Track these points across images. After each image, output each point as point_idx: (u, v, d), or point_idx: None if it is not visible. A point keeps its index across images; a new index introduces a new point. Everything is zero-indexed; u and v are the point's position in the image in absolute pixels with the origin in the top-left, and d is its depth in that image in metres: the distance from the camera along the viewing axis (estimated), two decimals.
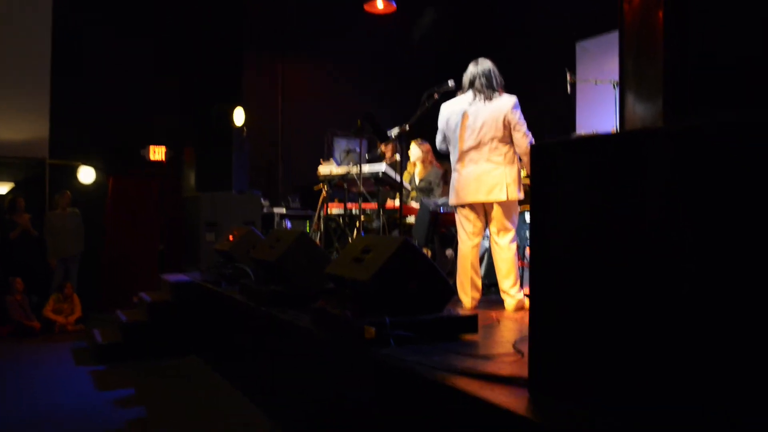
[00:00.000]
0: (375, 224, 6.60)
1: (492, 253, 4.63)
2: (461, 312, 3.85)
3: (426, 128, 5.55)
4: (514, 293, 4.46)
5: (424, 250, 5.37)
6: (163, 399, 4.97)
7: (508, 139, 4.44)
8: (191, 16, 10.05)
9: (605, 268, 1.93)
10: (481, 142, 4.45)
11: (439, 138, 4.78)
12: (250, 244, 5.77)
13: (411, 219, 6.14)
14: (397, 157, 6.28)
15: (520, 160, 4.54)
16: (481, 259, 4.93)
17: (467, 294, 4.56)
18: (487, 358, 2.90)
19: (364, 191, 6.25)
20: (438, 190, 6.74)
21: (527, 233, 5.55)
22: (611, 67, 7.37)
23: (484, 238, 4.82)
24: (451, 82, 4.88)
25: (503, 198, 4.40)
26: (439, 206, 5.61)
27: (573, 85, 6.93)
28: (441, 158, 6.86)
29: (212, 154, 8.19)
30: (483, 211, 4.58)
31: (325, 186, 6.66)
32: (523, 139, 4.40)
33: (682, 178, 1.71)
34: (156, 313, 6.48)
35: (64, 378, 5.63)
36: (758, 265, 1.52)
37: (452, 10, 10.63)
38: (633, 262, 1.83)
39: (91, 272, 9.13)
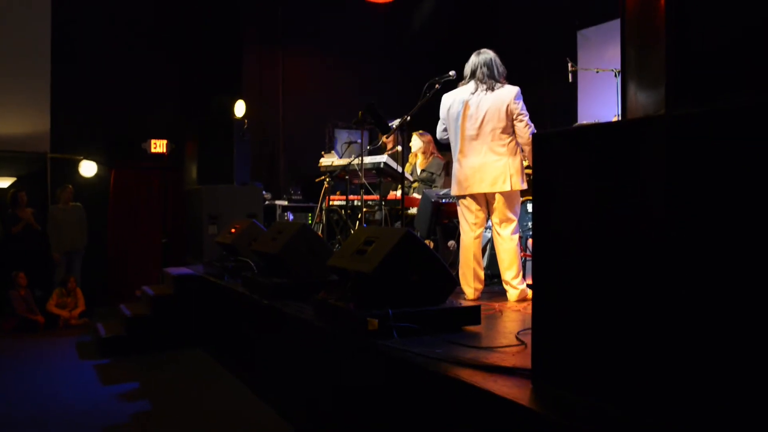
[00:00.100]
0: (377, 216, 6.59)
1: (494, 244, 4.63)
2: (464, 303, 3.85)
3: (427, 119, 5.53)
4: (516, 284, 4.46)
5: (427, 242, 5.36)
6: (168, 392, 4.98)
7: (510, 129, 4.44)
8: (191, 7, 10.01)
9: (607, 258, 1.93)
10: (484, 133, 4.44)
11: (440, 128, 4.77)
12: (252, 236, 5.77)
13: (413, 210, 6.13)
14: (399, 148, 6.27)
15: (522, 150, 4.53)
16: (483, 250, 4.92)
17: (470, 285, 4.56)
18: (490, 349, 2.89)
19: (366, 183, 6.25)
20: (440, 181, 6.73)
21: (529, 224, 5.55)
22: (612, 56, 7.36)
23: (486, 229, 4.82)
24: (452, 73, 4.87)
25: (507, 189, 4.39)
26: (441, 197, 5.60)
27: (574, 74, 6.91)
28: (442, 149, 6.85)
29: (213, 147, 8.19)
30: (485, 201, 4.57)
31: (327, 178, 6.65)
32: (526, 129, 4.39)
33: (682, 165, 1.69)
34: (159, 306, 6.49)
35: (69, 372, 5.64)
36: (757, 251, 1.51)
37: (453, 0, 10.59)
38: (635, 252, 1.83)
39: (95, 266, 9.14)
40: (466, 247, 4.60)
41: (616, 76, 6.50)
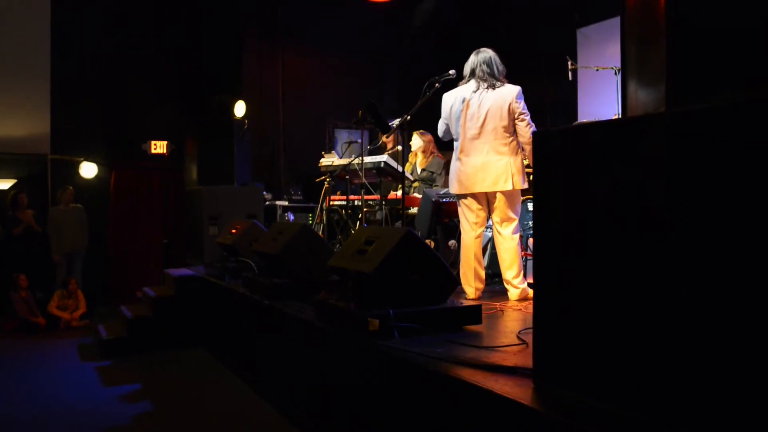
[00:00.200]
0: (378, 215, 6.59)
1: (495, 243, 4.62)
2: (465, 303, 3.85)
3: (427, 118, 5.52)
4: (517, 283, 4.45)
5: (427, 241, 5.35)
6: (169, 393, 4.98)
7: (512, 129, 4.44)
8: (191, 8, 10.01)
9: (608, 257, 1.92)
10: (486, 132, 4.44)
11: (441, 127, 4.76)
12: (252, 237, 5.77)
13: (414, 210, 6.12)
14: (399, 147, 6.27)
15: (523, 149, 4.52)
16: (484, 250, 4.92)
17: (471, 284, 4.55)
18: (491, 348, 2.89)
19: (366, 182, 6.24)
20: (440, 180, 6.72)
21: (530, 223, 5.55)
22: (613, 54, 7.35)
23: (487, 229, 4.81)
24: (452, 72, 4.86)
25: (508, 188, 4.39)
26: (442, 196, 5.60)
27: (574, 72, 6.90)
28: (442, 148, 6.84)
29: (214, 147, 8.18)
30: (486, 200, 4.57)
31: (328, 178, 6.64)
32: (527, 128, 4.40)
33: (682, 163, 1.69)
34: (160, 307, 6.49)
35: (70, 374, 5.64)
36: (757, 249, 1.50)
37: None
38: (635, 251, 1.82)
39: (95, 267, 9.13)
40: (466, 246, 4.60)
41: (616, 74, 6.49)
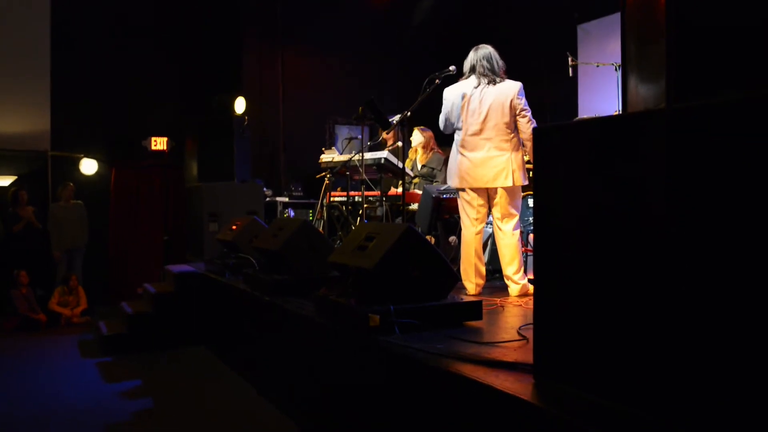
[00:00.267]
0: (378, 212, 6.59)
1: (495, 239, 4.63)
2: (465, 298, 3.85)
3: (428, 114, 5.52)
4: (518, 279, 4.46)
5: (428, 237, 5.36)
6: (170, 389, 4.99)
7: (513, 125, 4.45)
8: (191, 5, 10.00)
9: (608, 253, 1.92)
10: (487, 128, 4.44)
11: (442, 121, 4.75)
12: (253, 233, 5.77)
13: (414, 206, 6.12)
14: (399, 143, 6.27)
15: (524, 146, 4.53)
16: (484, 246, 4.92)
17: (471, 280, 4.56)
18: (492, 344, 2.89)
19: (367, 178, 6.24)
20: (441, 176, 6.72)
21: (531, 219, 5.55)
22: (613, 50, 7.33)
23: (487, 225, 4.81)
24: (452, 68, 4.86)
25: (509, 184, 4.40)
26: (442, 193, 5.60)
27: (575, 69, 6.89)
28: (442, 144, 6.84)
29: (214, 144, 8.17)
30: (487, 196, 4.57)
31: (328, 174, 6.64)
32: (528, 124, 4.42)
33: (682, 159, 1.69)
34: (161, 304, 6.49)
35: (71, 370, 5.65)
36: (757, 246, 1.50)
37: None
38: (635, 247, 1.82)
39: (96, 264, 9.14)
40: (467, 242, 4.60)
41: (616, 70, 6.48)
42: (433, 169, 6.80)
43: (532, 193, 5.11)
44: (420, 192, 6.08)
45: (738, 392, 1.55)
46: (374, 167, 6.14)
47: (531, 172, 4.81)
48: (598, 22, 8.37)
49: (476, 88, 4.52)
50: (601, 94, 7.67)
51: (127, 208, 9.82)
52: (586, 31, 8.61)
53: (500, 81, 4.49)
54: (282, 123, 10.22)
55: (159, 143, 9.69)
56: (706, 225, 1.63)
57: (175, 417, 4.32)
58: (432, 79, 4.89)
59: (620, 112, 5.48)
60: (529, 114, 4.43)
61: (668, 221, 1.73)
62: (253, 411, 4.32)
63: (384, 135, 6.96)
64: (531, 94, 4.57)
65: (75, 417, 4.33)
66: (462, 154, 4.55)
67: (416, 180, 6.84)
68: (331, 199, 6.96)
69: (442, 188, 5.65)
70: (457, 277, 3.60)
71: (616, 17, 7.73)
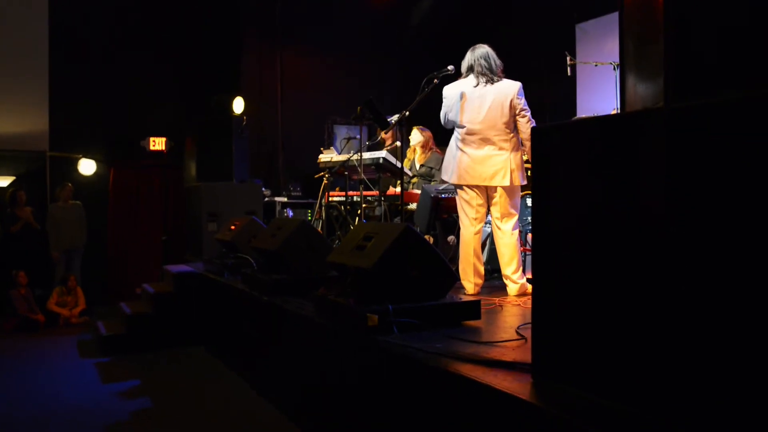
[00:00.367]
0: (377, 211, 6.58)
1: (494, 238, 4.63)
2: (464, 298, 3.85)
3: (426, 114, 5.51)
4: (516, 278, 4.46)
5: (426, 237, 5.35)
6: (168, 390, 4.98)
7: (512, 125, 4.46)
8: (190, 5, 9.99)
9: (607, 253, 1.92)
10: (486, 127, 4.45)
11: (443, 117, 4.72)
12: (251, 233, 5.76)
13: (413, 206, 6.12)
14: (398, 143, 6.26)
15: (524, 145, 4.53)
16: (483, 245, 4.92)
17: (470, 280, 4.56)
18: (490, 343, 2.89)
19: (365, 178, 6.24)
20: (439, 176, 6.71)
21: (529, 218, 5.55)
22: (611, 49, 7.32)
23: (486, 224, 4.81)
24: (450, 67, 4.86)
25: (506, 183, 4.40)
26: (441, 192, 5.60)
27: (573, 68, 6.89)
28: (442, 144, 6.83)
29: (212, 144, 8.16)
30: (486, 196, 4.57)
31: (326, 174, 6.64)
32: (528, 124, 4.43)
33: (681, 158, 1.69)
34: (159, 304, 6.49)
35: (69, 371, 5.64)
36: (757, 245, 1.50)
37: None
38: (634, 246, 1.82)
39: (95, 264, 9.14)
40: (466, 242, 4.60)
41: (615, 69, 6.48)
42: (431, 168, 6.80)
43: (530, 192, 5.11)
44: (418, 192, 6.08)
45: (737, 390, 1.55)
46: (373, 167, 6.14)
47: (529, 172, 4.81)
48: (596, 22, 8.37)
49: (475, 87, 4.52)
50: (599, 94, 7.67)
51: (126, 209, 9.81)
52: (584, 30, 8.61)
53: (498, 80, 4.50)
54: (281, 123, 10.22)
55: (158, 143, 9.68)
56: (705, 224, 1.63)
57: (174, 417, 4.32)
58: (430, 78, 4.89)
59: (619, 112, 5.48)
60: (528, 114, 4.44)
61: (666, 220, 1.73)
62: (252, 411, 4.31)
63: (382, 135, 6.96)
64: (530, 93, 4.57)
65: (74, 417, 4.32)
66: (462, 150, 4.55)
67: (415, 180, 6.83)
68: (330, 198, 6.95)
69: (441, 188, 5.65)
70: (455, 277, 3.60)
71: (615, 17, 7.73)
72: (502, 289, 4.61)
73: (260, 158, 9.94)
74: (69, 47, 9.23)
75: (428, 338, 2.94)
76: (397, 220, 6.21)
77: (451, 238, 5.63)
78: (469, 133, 4.50)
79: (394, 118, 5.37)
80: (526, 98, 4.48)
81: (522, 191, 4.76)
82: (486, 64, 4.51)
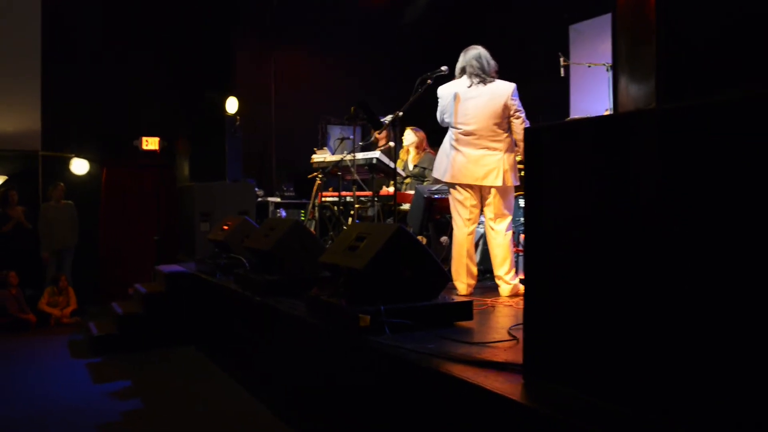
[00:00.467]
0: (370, 212, 6.58)
1: (487, 239, 4.63)
2: (456, 298, 3.85)
3: (420, 115, 5.51)
4: (509, 279, 4.46)
5: (419, 237, 5.35)
6: (160, 390, 4.97)
7: (506, 125, 4.46)
8: (183, 5, 9.96)
9: (600, 253, 1.92)
10: (480, 128, 4.45)
11: (439, 116, 4.72)
12: (244, 233, 5.75)
13: (406, 206, 6.12)
14: (391, 144, 6.26)
15: (517, 146, 4.53)
16: (476, 246, 4.92)
17: (462, 280, 4.55)
18: (482, 344, 2.89)
19: (358, 179, 6.24)
20: (432, 177, 6.72)
21: (522, 219, 5.55)
22: (605, 50, 7.35)
23: (479, 225, 4.81)
24: (444, 68, 4.86)
25: (499, 184, 4.40)
26: (434, 193, 5.60)
27: (566, 69, 6.91)
28: (435, 145, 6.83)
29: (205, 144, 8.16)
30: (479, 196, 4.57)
31: (319, 174, 6.63)
32: (522, 126, 4.44)
33: (673, 158, 1.69)
34: (151, 304, 6.46)
35: (60, 371, 5.61)
36: (750, 245, 1.50)
37: None
38: (627, 246, 1.82)
39: (87, 264, 9.10)
40: (459, 242, 4.60)
41: (607, 70, 6.50)
42: (424, 169, 6.79)
43: (522, 193, 5.11)
44: (411, 192, 6.08)
45: (733, 389, 1.55)
46: (366, 167, 6.14)
47: (523, 173, 4.82)
48: (589, 23, 8.39)
49: (468, 88, 4.52)
50: (592, 95, 7.69)
51: (119, 208, 9.78)
52: (577, 31, 8.63)
53: (492, 81, 4.49)
54: (274, 122, 10.19)
55: (150, 143, 9.66)
56: (697, 224, 1.63)
57: (165, 417, 4.30)
58: (424, 79, 4.89)
59: (611, 112, 5.49)
60: (522, 115, 4.45)
61: (659, 220, 1.73)
62: (244, 411, 4.30)
63: (376, 135, 6.96)
64: (523, 94, 4.57)
65: (64, 417, 4.30)
66: (457, 149, 4.54)
67: (408, 180, 6.83)
68: (323, 199, 6.94)
69: (434, 188, 5.65)
70: (448, 278, 3.60)
71: (608, 18, 7.76)
72: (494, 289, 4.61)
73: (253, 158, 9.91)
74: (62, 47, 9.20)
75: (420, 339, 2.94)
76: (390, 220, 6.21)
77: (444, 238, 5.63)
78: (464, 134, 4.50)
79: (388, 118, 5.36)
80: (519, 99, 4.48)
81: (515, 192, 4.76)
82: (478, 65, 4.51)
